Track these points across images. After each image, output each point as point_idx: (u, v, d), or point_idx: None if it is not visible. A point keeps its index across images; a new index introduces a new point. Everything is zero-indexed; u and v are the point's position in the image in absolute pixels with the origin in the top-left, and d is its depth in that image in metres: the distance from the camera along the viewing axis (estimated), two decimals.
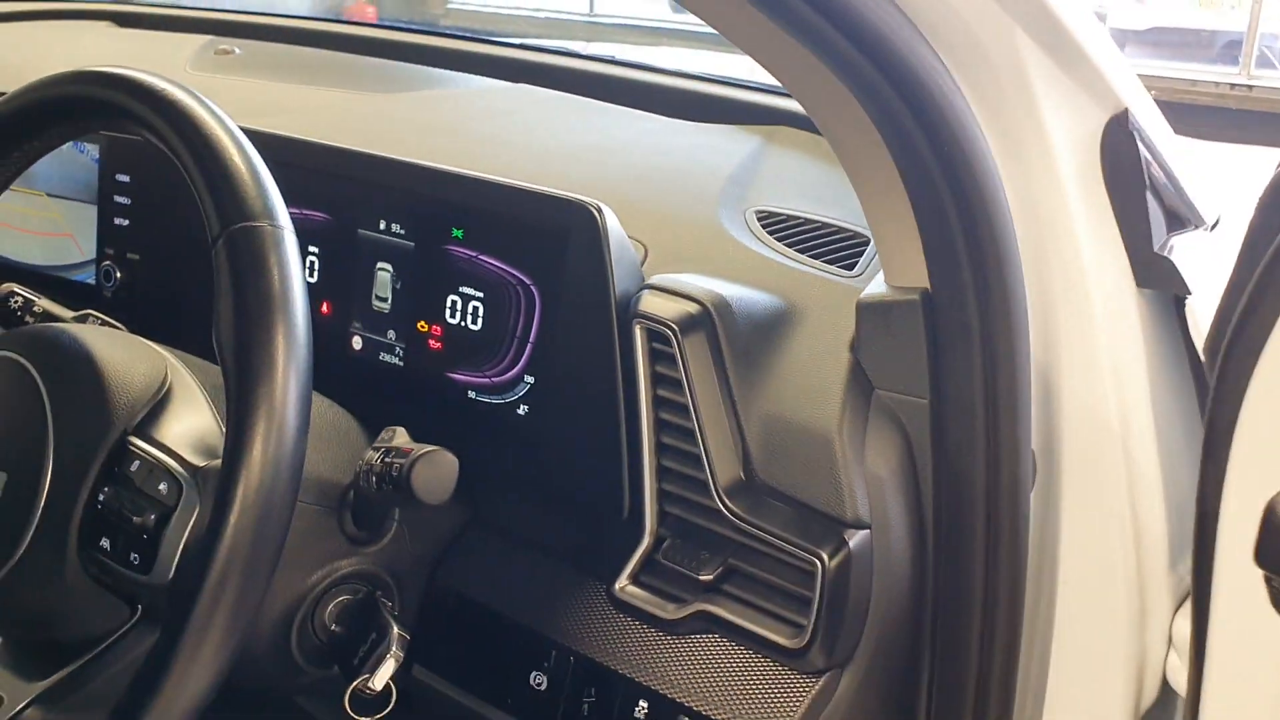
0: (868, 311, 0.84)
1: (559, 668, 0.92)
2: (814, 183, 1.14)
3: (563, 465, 0.95)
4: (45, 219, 1.28)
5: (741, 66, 1.43)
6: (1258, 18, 5.98)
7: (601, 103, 1.37)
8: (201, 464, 0.74)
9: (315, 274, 1.10)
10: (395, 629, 0.85)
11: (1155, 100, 0.91)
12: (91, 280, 1.27)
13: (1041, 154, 0.84)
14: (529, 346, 0.97)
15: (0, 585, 0.77)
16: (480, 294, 0.99)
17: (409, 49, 1.66)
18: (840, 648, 0.82)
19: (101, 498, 0.76)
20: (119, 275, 1.23)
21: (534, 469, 0.97)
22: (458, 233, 1.00)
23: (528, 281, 0.96)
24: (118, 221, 1.24)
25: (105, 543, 0.75)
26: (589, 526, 0.95)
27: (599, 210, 0.91)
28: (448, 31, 1.72)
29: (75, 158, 1.26)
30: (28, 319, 1.05)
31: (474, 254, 0.99)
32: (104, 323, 1.05)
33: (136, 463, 0.76)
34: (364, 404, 1.05)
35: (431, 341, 1.03)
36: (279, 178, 1.11)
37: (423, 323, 1.04)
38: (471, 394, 1.01)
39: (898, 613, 0.85)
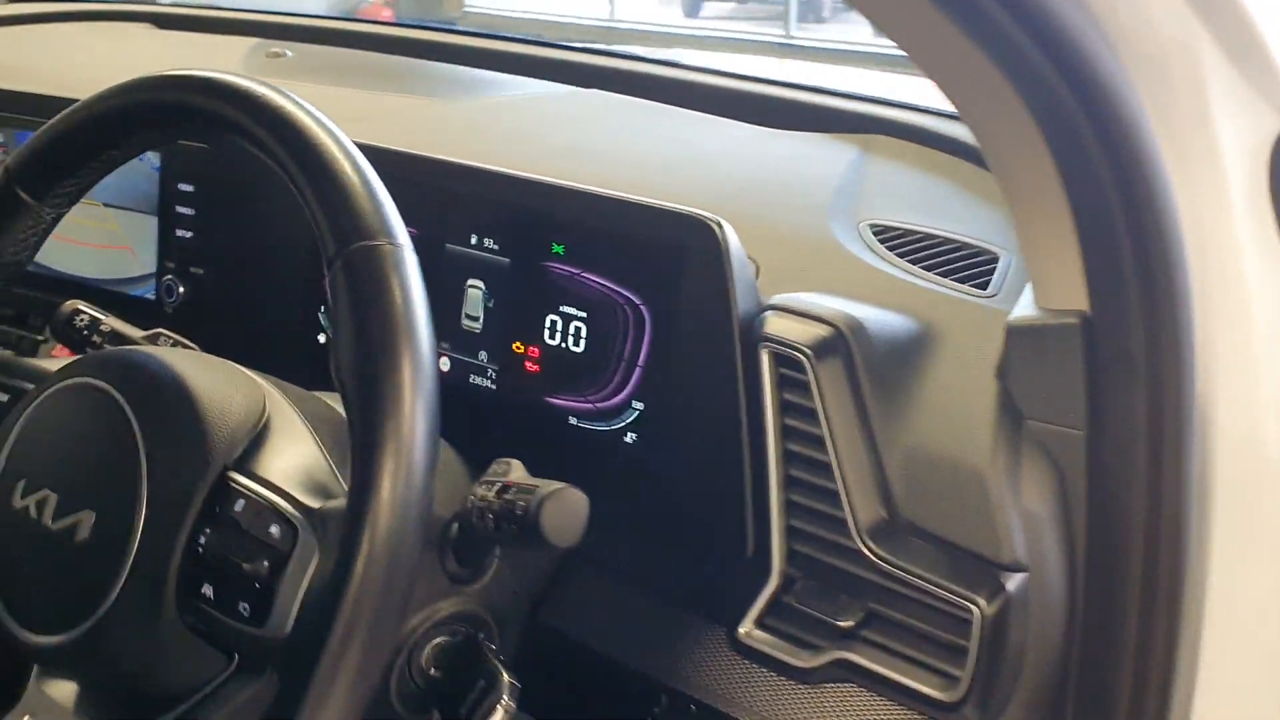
0: (1018, 336, 0.78)
1: (675, 716, 0.86)
2: (924, 194, 1.08)
3: (675, 498, 0.88)
4: (102, 230, 1.22)
5: (784, 72, 1.37)
6: None
7: (679, 109, 1.31)
8: (316, 505, 0.68)
9: None
10: (505, 676, 0.79)
11: None
12: (151, 295, 1.20)
13: (1210, 163, 0.77)
14: (638, 370, 0.90)
15: (87, 635, 0.71)
16: (583, 314, 0.93)
17: (463, 52, 1.60)
18: (996, 700, 0.76)
19: (203, 540, 0.69)
20: (182, 291, 1.17)
21: (642, 501, 0.90)
22: (558, 248, 0.94)
23: (637, 301, 0.90)
24: (180, 233, 1.18)
25: (208, 590, 0.69)
26: (705, 564, 0.88)
27: (719, 225, 0.85)
28: (507, 35, 1.66)
29: (135, 165, 1.19)
30: (95, 338, 0.98)
31: (577, 271, 0.93)
32: (176, 343, 0.99)
33: (241, 502, 0.69)
34: (452, 429, 0.97)
35: (528, 364, 0.97)
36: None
37: (518, 344, 0.97)
38: (572, 420, 0.94)
39: (1050, 662, 0.79)
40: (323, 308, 1.09)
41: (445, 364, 1.02)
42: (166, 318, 1.19)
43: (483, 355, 1.00)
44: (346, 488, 0.72)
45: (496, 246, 0.98)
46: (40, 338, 1.31)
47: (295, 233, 1.09)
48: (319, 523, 0.67)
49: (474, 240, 0.99)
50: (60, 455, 0.74)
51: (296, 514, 0.67)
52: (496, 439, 0.92)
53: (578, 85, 1.42)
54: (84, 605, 0.70)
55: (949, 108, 1.25)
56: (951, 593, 0.76)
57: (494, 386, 0.99)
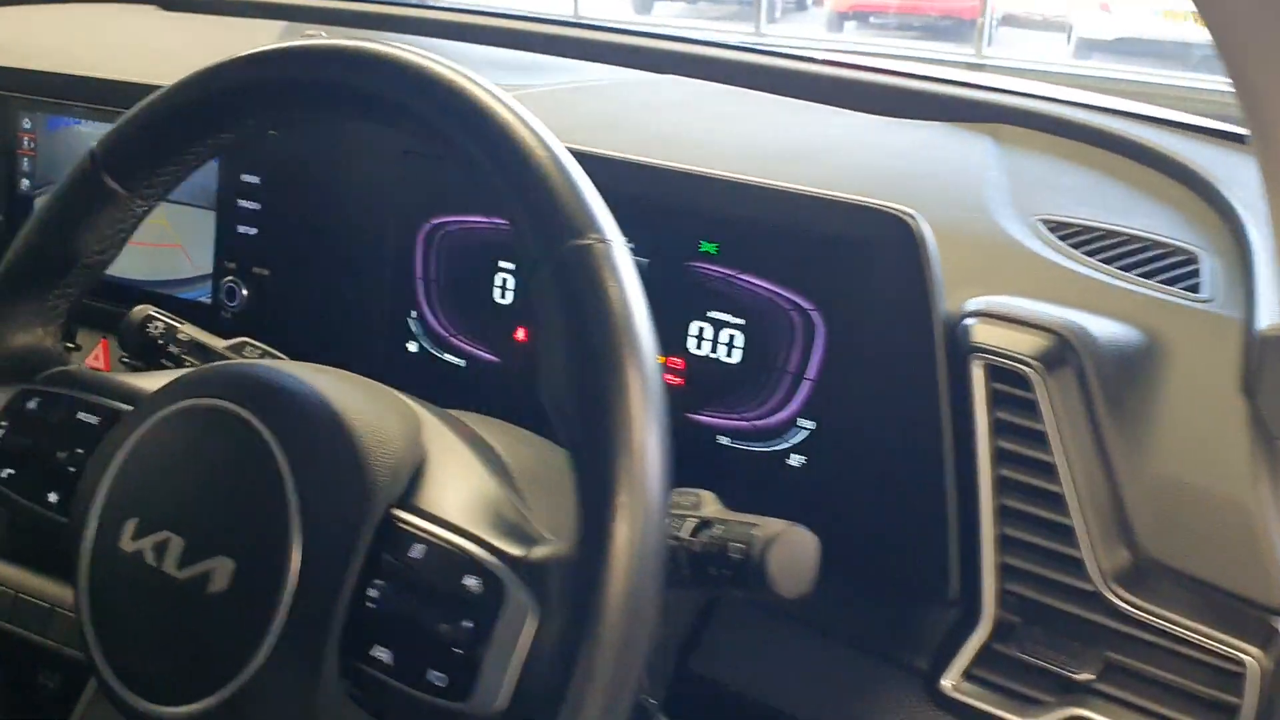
0: (1274, 348, 0.68)
1: None
2: (1083, 186, 0.98)
3: (855, 531, 0.78)
4: (149, 226, 1.08)
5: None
6: None
7: (773, 95, 1.20)
8: (518, 551, 0.56)
9: (509, 294, 0.93)
10: None
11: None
12: (206, 299, 1.08)
13: None
14: (806, 385, 0.80)
15: (226, 706, 0.59)
16: (740, 320, 0.82)
17: (508, 35, 1.48)
18: None
19: (373, 594, 0.58)
20: (245, 294, 1.05)
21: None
22: (709, 247, 0.83)
23: (807, 306, 0.79)
24: (242, 230, 1.06)
25: (382, 654, 0.57)
26: (892, 606, 0.78)
27: (913, 219, 0.75)
28: (559, 19, 1.55)
29: None
30: (171, 348, 0.86)
31: (732, 273, 0.82)
32: (264, 354, 0.87)
33: (419, 547, 0.58)
34: None
35: (668, 376, 0.86)
36: (469, 180, 0.92)
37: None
38: (722, 439, 0.84)
39: None
40: (413, 312, 0.97)
41: None
42: (224, 324, 1.06)
43: None
44: (537, 526, 0.61)
45: (632, 245, 0.86)
46: (70, 345, 1.17)
47: (379, 228, 0.98)
48: (531, 574, 0.55)
49: None
50: (183, 491, 0.62)
51: (497, 563, 0.56)
52: None
53: (647, 70, 1.32)
54: (222, 670, 0.59)
55: (1070, 95, 1.17)
56: (1217, 642, 0.66)
57: None
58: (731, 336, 0.83)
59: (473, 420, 0.73)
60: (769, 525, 0.61)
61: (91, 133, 1.11)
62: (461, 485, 0.63)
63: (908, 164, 0.99)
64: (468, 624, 0.55)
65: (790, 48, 1.32)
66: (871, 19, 11.81)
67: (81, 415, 0.72)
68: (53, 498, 0.71)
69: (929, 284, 0.73)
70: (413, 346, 0.98)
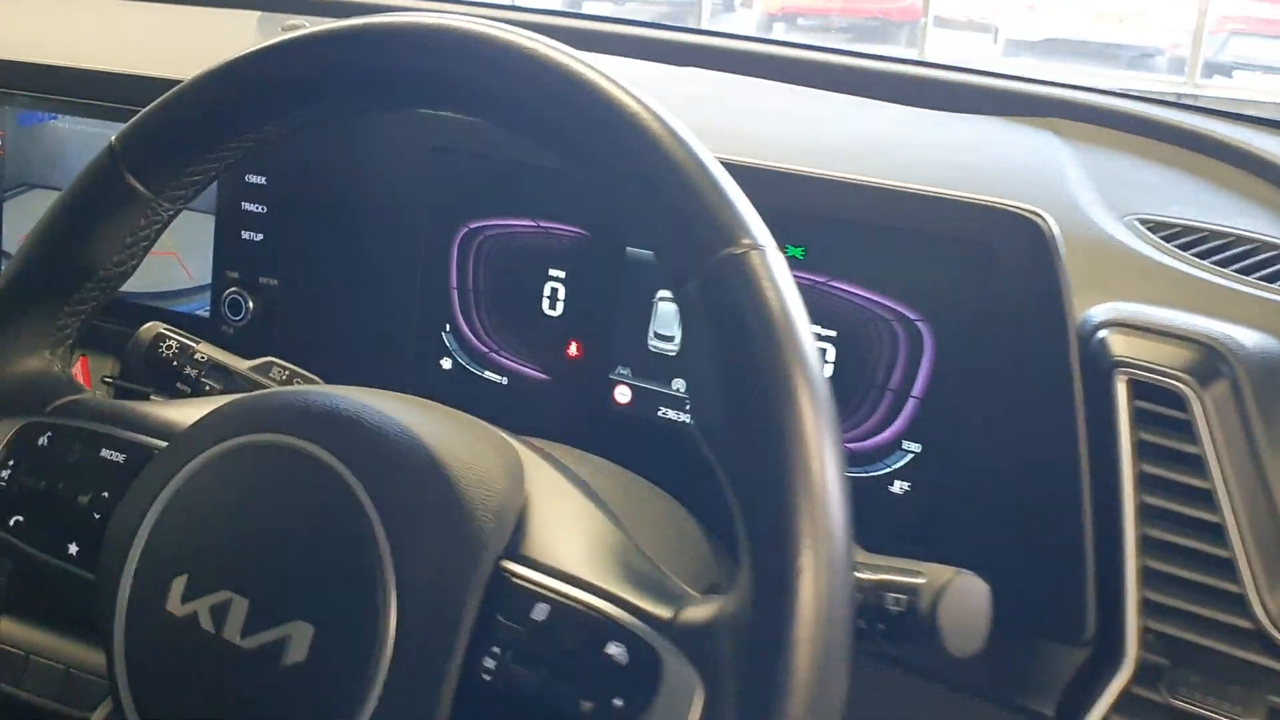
0: None
1: None
2: (1166, 183, 0.92)
3: (970, 565, 0.70)
4: None
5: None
6: (1202, 28, 5.99)
7: (807, 88, 1.13)
8: (666, 613, 0.48)
9: (560, 305, 0.84)
10: None
11: None
12: (205, 312, 0.98)
13: None
14: (911, 403, 0.72)
15: None
16: (831, 332, 0.75)
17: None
18: None
19: (489, 664, 0.49)
20: (250, 307, 0.95)
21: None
22: (795, 251, 0.75)
23: (912, 317, 0.72)
24: (247, 235, 0.96)
25: None
26: (1016, 647, 0.71)
27: (1042, 218, 0.67)
28: (563, 11, 1.46)
29: None
30: (189, 370, 0.76)
31: (822, 280, 0.75)
32: (293, 375, 0.77)
33: (540, 608, 0.49)
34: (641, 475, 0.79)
35: None
36: (513, 180, 0.85)
37: None
38: None
39: None
40: (447, 325, 0.88)
41: (624, 395, 0.82)
42: (226, 340, 0.96)
43: (679, 384, 0.80)
44: (672, 577, 0.53)
45: None
46: None
47: (407, 234, 0.89)
48: (690, 641, 0.47)
49: None
50: (244, 543, 0.53)
51: (644, 626, 0.47)
52: (698, 487, 0.73)
53: (664, 63, 1.24)
54: None
55: (1122, 86, 1.12)
56: None
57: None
58: (823, 350, 0.75)
59: (558, 452, 0.65)
60: (934, 572, 0.53)
61: (71, 129, 1.00)
62: (576, 531, 0.54)
63: (979, 158, 0.92)
64: (617, 702, 0.47)
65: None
66: (800, 20, 11.84)
67: (105, 452, 0.62)
68: (73, 549, 0.61)
69: (1062, 291, 0.66)
70: (447, 364, 0.89)
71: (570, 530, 0.54)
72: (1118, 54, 10.09)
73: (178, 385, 0.77)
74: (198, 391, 0.76)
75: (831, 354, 0.75)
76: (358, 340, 0.91)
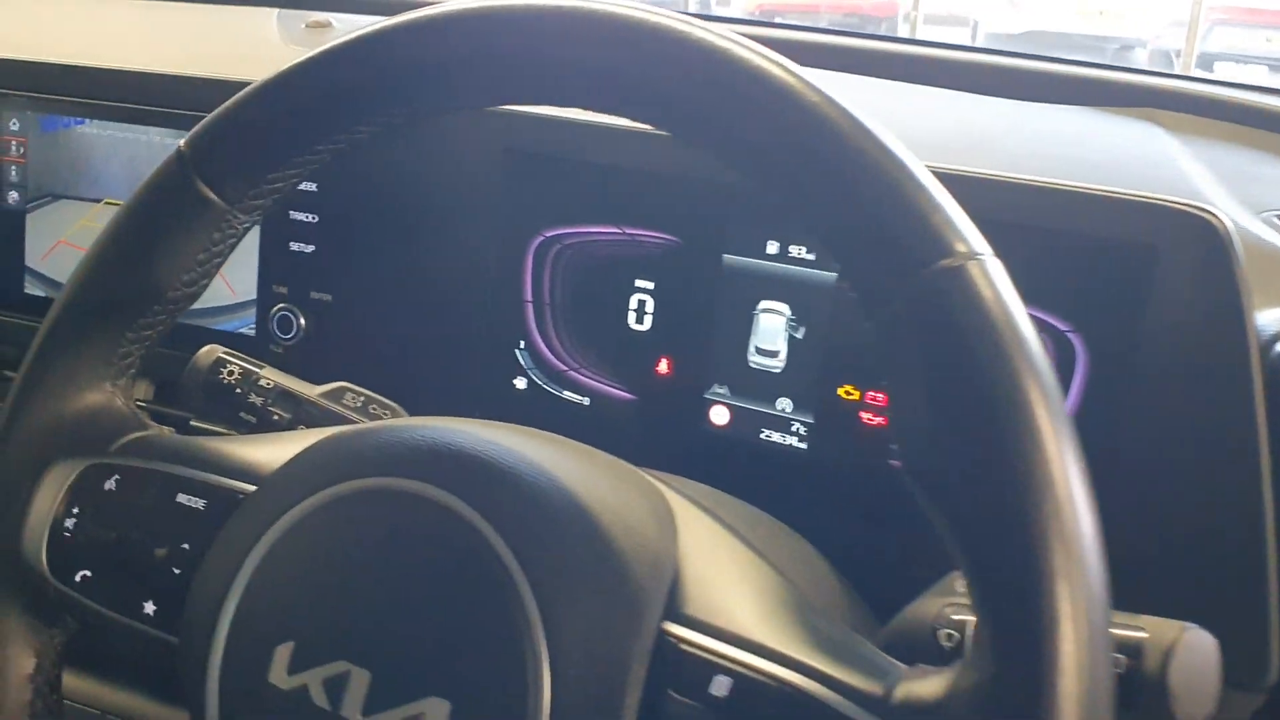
0: None
1: None
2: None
3: (1134, 604, 0.64)
4: None
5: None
6: (1197, 19, 5.96)
7: (905, 83, 1.06)
8: (876, 689, 0.41)
9: (648, 319, 0.77)
10: None
11: None
12: (249, 330, 0.90)
13: None
14: None
15: None
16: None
17: None
18: None
19: None
20: (302, 324, 0.88)
21: None
22: None
23: (1062, 328, 0.65)
24: (296, 248, 0.88)
25: None
26: None
27: (1215, 216, 0.61)
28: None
29: None
30: (253, 398, 0.69)
31: None
32: (368, 401, 0.70)
33: (721, 681, 0.42)
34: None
35: (865, 415, 0.71)
36: (594, 184, 0.78)
37: (847, 387, 0.71)
38: None
39: None
40: (520, 342, 0.81)
41: (721, 416, 0.76)
42: (274, 360, 0.89)
43: (784, 404, 0.73)
44: (866, 643, 0.46)
45: (812, 256, 0.72)
46: None
47: (476, 243, 0.82)
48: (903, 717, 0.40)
49: (771, 248, 0.73)
50: (361, 607, 0.46)
51: (853, 706, 0.41)
52: (806, 516, 0.67)
53: None
54: None
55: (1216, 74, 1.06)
56: None
57: (804, 446, 0.73)
58: None
59: (684, 486, 0.58)
60: (1156, 627, 0.47)
61: (98, 135, 0.93)
62: (741, 586, 0.47)
63: (1087, 151, 0.86)
64: None
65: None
66: (778, 18, 11.81)
67: (182, 498, 0.55)
68: (150, 608, 0.54)
69: (1242, 298, 0.60)
70: (521, 383, 0.82)
71: (734, 585, 0.47)
72: (1101, 46, 10.07)
73: (241, 415, 0.69)
74: (264, 421, 0.69)
75: None
76: (420, 360, 0.84)
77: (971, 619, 0.50)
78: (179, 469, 0.56)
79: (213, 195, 0.55)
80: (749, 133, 0.43)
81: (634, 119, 0.47)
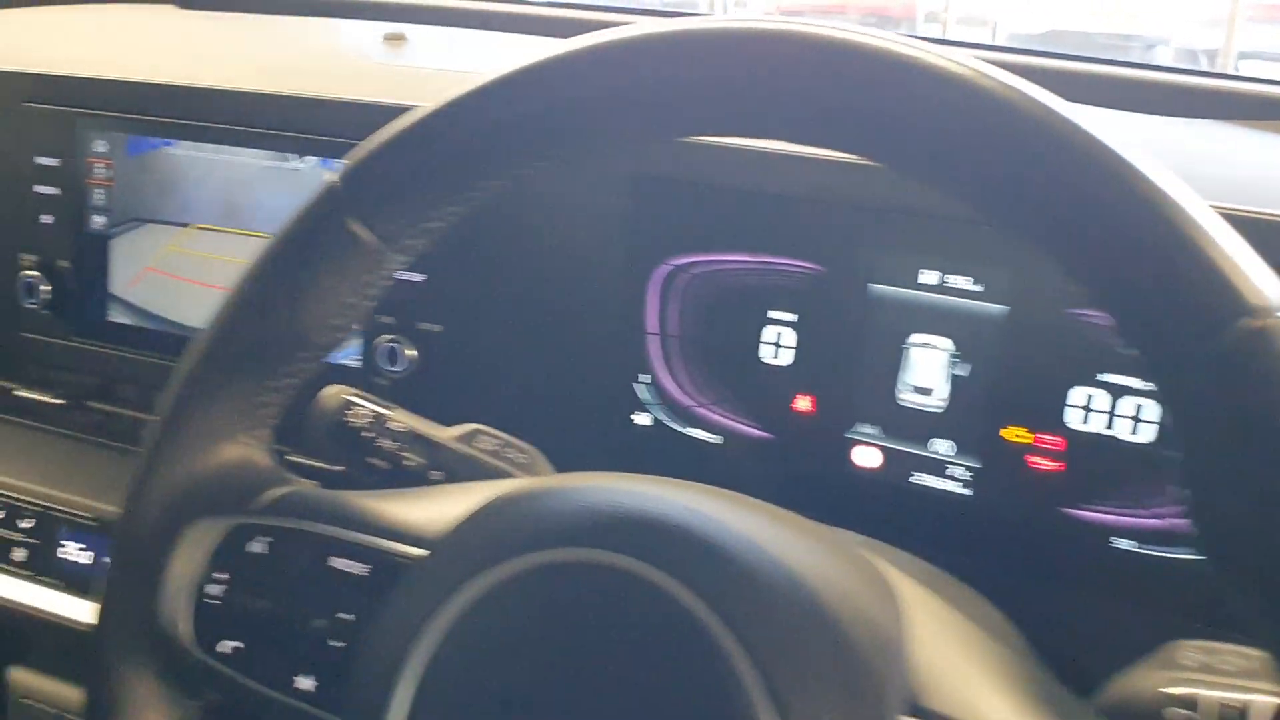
0: None
1: None
2: None
3: None
4: None
5: None
6: (1235, 15, 5.89)
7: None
8: None
9: (786, 352, 0.73)
10: None
11: None
12: (355, 362, 0.86)
13: None
14: None
15: None
16: (1151, 385, 0.63)
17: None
18: None
19: None
20: (410, 355, 0.84)
21: None
22: None
23: None
24: (404, 276, 0.84)
25: None
26: None
27: None
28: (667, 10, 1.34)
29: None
30: (382, 442, 0.64)
31: None
32: (506, 444, 0.66)
33: None
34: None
35: (1035, 459, 0.66)
36: (726, 209, 0.74)
37: (1015, 429, 0.67)
38: (1121, 544, 0.65)
39: None
40: (643, 376, 0.77)
41: (870, 458, 0.71)
42: (380, 391, 0.84)
43: (943, 446, 0.69)
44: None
45: (979, 287, 0.67)
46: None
47: (596, 272, 0.77)
48: None
49: (926, 277, 0.69)
50: (554, 692, 0.41)
51: None
52: (974, 573, 0.62)
53: None
54: None
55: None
56: None
57: (967, 492, 0.69)
58: (1138, 407, 0.64)
59: (888, 554, 0.53)
60: None
61: (189, 156, 0.89)
62: (976, 667, 0.43)
63: (1233, 171, 0.81)
64: None
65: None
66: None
67: (338, 562, 0.51)
68: (306, 683, 0.50)
69: None
70: (643, 419, 0.77)
71: (967, 667, 0.43)
72: (1126, 45, 9.99)
73: (370, 460, 0.65)
74: (396, 468, 0.65)
75: (1152, 411, 0.64)
76: (533, 393, 0.80)
77: (1209, 695, 0.46)
78: (332, 530, 0.52)
79: (367, 234, 0.51)
80: (1003, 173, 0.39)
81: (852, 152, 0.42)
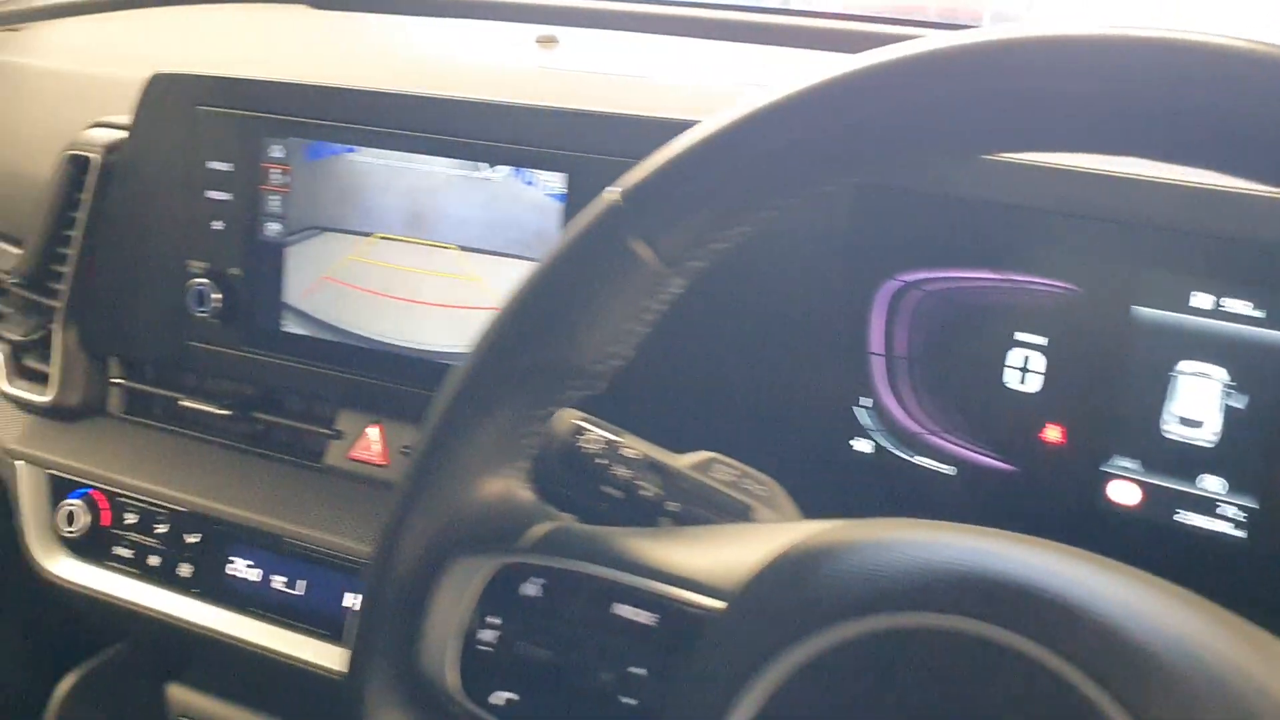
0: None
1: None
2: None
3: None
4: (454, 281, 0.84)
5: None
6: None
7: None
8: None
9: (1035, 379, 0.68)
10: None
11: None
12: None
13: None
14: None
15: None
16: None
17: (781, 32, 1.24)
18: None
19: None
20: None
21: None
22: None
23: None
24: None
25: None
26: None
27: None
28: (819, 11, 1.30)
29: (517, 191, 0.81)
30: (617, 470, 0.60)
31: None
32: (743, 476, 0.62)
33: None
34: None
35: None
36: (965, 222, 0.69)
37: None
38: None
39: None
40: (865, 400, 0.72)
41: (1128, 494, 0.66)
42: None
43: (1214, 483, 0.64)
44: None
45: (1260, 312, 0.62)
46: (331, 432, 0.91)
47: (815, 289, 0.73)
48: None
49: (1199, 300, 0.63)
50: None
51: None
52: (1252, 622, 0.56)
53: None
54: None
55: None
56: None
57: (1240, 534, 0.63)
58: None
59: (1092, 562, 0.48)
60: None
61: (371, 163, 0.85)
62: None
63: None
64: None
65: None
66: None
67: (622, 610, 0.47)
68: None
69: None
70: (863, 445, 0.73)
71: None
72: None
73: (603, 489, 0.61)
74: (631, 497, 0.61)
75: None
76: (740, 415, 0.76)
77: None
78: (611, 572, 0.47)
79: (649, 254, 0.46)
80: None
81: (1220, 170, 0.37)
